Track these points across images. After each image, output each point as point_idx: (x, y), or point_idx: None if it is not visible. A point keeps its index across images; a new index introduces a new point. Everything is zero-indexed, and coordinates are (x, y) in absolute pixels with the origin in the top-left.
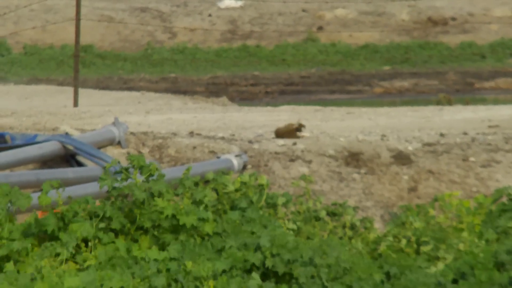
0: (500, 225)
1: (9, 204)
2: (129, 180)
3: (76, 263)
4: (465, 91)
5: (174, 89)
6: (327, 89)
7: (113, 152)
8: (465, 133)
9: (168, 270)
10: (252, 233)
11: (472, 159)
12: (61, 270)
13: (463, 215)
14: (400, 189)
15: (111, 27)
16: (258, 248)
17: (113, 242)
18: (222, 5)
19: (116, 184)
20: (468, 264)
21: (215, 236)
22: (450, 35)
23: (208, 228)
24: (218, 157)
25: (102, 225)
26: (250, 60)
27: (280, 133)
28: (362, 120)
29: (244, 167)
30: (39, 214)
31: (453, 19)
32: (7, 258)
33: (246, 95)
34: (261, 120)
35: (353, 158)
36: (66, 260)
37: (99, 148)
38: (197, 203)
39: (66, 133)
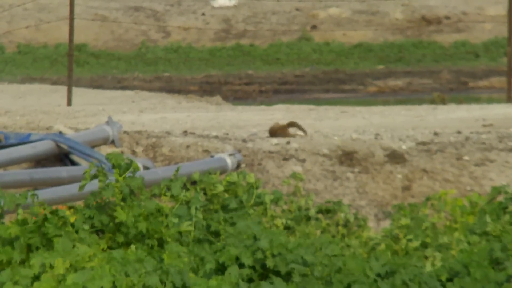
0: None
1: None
2: (110, 179)
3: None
4: (459, 90)
5: (168, 88)
6: (321, 88)
7: (107, 151)
8: (459, 132)
9: (164, 271)
10: (241, 233)
11: (466, 158)
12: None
13: (456, 214)
14: (394, 188)
15: (105, 26)
16: (256, 249)
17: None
18: (215, 4)
19: (93, 187)
20: (462, 262)
21: (206, 238)
22: (444, 34)
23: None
24: (212, 156)
25: (86, 226)
26: (244, 59)
27: (273, 132)
28: (356, 119)
29: (238, 166)
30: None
31: (447, 18)
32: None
33: (240, 94)
34: (255, 119)
35: (347, 157)
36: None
37: (93, 147)
38: (184, 204)
39: (60, 132)
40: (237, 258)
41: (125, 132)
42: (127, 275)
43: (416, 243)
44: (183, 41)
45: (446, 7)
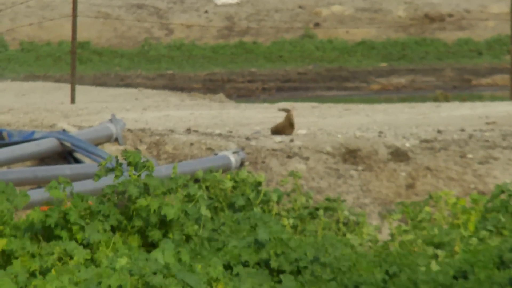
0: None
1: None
2: (124, 176)
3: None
4: (462, 88)
5: (171, 86)
6: (324, 85)
7: (110, 149)
8: (462, 130)
9: (168, 268)
10: (251, 230)
11: (469, 155)
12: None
13: (458, 213)
14: (398, 186)
15: (108, 23)
16: (260, 245)
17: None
18: (218, 1)
19: (111, 181)
20: (468, 262)
21: (213, 235)
22: (447, 31)
23: (190, 231)
24: (215, 154)
25: (99, 223)
26: (247, 57)
27: (276, 130)
28: (359, 116)
29: (242, 164)
30: (41, 209)
31: (450, 15)
32: (11, 255)
33: (243, 92)
34: (258, 117)
35: (351, 155)
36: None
37: (97, 145)
38: (190, 200)
39: (64, 130)
40: (240, 256)
41: (129, 129)
42: (131, 274)
43: (419, 242)
44: (186, 39)
45: (449, 4)
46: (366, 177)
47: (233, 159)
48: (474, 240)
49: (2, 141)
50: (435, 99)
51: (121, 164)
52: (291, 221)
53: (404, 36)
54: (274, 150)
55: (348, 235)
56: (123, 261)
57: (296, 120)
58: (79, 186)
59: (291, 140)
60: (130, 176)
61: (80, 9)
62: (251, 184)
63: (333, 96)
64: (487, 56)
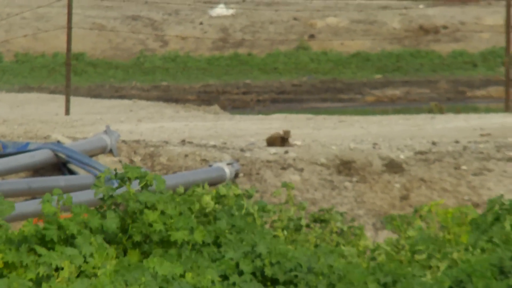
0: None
1: None
2: (122, 189)
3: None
4: (456, 100)
5: (166, 97)
6: (319, 97)
7: (105, 160)
8: (457, 142)
9: (166, 280)
10: (242, 240)
11: (464, 167)
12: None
13: (449, 226)
14: (392, 197)
15: (103, 35)
16: (256, 256)
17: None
18: (213, 13)
19: (111, 192)
20: (465, 272)
21: (206, 246)
22: (442, 43)
23: (198, 238)
24: (210, 166)
25: (92, 236)
26: (242, 69)
27: (270, 142)
28: (354, 128)
29: (236, 176)
30: (34, 221)
31: (445, 27)
32: (6, 268)
33: (237, 103)
34: (253, 128)
35: (345, 167)
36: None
37: (91, 156)
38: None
39: (58, 141)
40: (237, 266)
41: (123, 141)
42: (127, 284)
43: (423, 255)
44: (181, 50)
45: (443, 16)
46: (361, 188)
47: (228, 171)
48: (468, 254)
49: None
50: (430, 111)
51: (123, 177)
52: (281, 231)
53: (399, 48)
54: (268, 161)
55: (342, 247)
56: (109, 270)
57: (291, 132)
58: (74, 198)
59: (286, 152)
60: (127, 188)
61: (75, 21)
62: (233, 198)
63: (328, 108)
64: (481, 68)
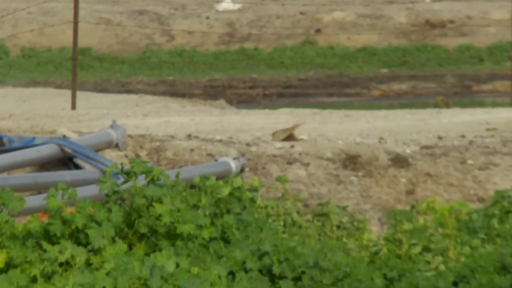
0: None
1: (2, 207)
2: (128, 183)
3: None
4: (463, 94)
5: (172, 92)
6: (325, 92)
7: (111, 155)
8: (463, 136)
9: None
10: (248, 237)
11: (470, 162)
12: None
13: (447, 221)
14: (398, 192)
15: (109, 29)
16: (263, 254)
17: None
18: (220, 8)
19: (116, 188)
20: (468, 267)
21: (213, 241)
22: (448, 38)
23: (205, 234)
24: (216, 160)
25: (103, 229)
26: (248, 63)
27: (277, 137)
28: (360, 123)
29: (242, 170)
30: (39, 215)
31: (451, 22)
32: (11, 263)
33: (244, 98)
34: (259, 123)
35: (351, 161)
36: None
37: (97, 151)
38: (193, 207)
39: (64, 136)
40: (243, 263)
41: (129, 135)
42: (130, 278)
43: (418, 248)
44: (187, 45)
45: (450, 11)
46: (366, 183)
47: (234, 165)
48: (466, 249)
49: (2, 147)
50: (436, 105)
51: (128, 172)
52: (282, 225)
53: (405, 42)
54: (274, 156)
55: (345, 239)
56: (111, 265)
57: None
58: (80, 192)
59: (292, 146)
60: (133, 183)
61: (82, 15)
62: (247, 190)
63: (334, 102)
64: (488, 62)
